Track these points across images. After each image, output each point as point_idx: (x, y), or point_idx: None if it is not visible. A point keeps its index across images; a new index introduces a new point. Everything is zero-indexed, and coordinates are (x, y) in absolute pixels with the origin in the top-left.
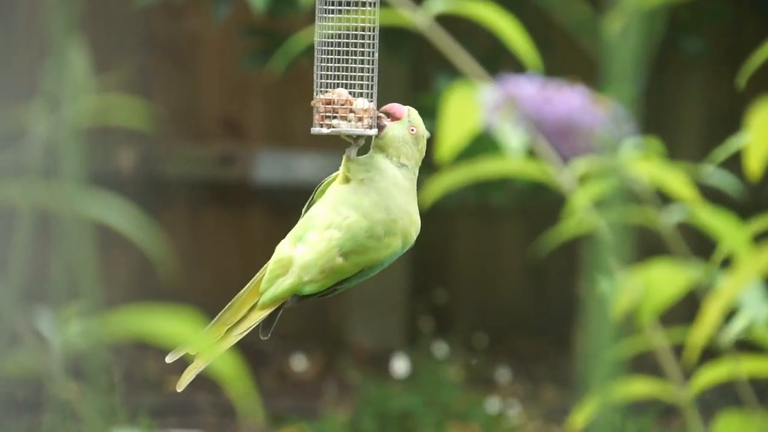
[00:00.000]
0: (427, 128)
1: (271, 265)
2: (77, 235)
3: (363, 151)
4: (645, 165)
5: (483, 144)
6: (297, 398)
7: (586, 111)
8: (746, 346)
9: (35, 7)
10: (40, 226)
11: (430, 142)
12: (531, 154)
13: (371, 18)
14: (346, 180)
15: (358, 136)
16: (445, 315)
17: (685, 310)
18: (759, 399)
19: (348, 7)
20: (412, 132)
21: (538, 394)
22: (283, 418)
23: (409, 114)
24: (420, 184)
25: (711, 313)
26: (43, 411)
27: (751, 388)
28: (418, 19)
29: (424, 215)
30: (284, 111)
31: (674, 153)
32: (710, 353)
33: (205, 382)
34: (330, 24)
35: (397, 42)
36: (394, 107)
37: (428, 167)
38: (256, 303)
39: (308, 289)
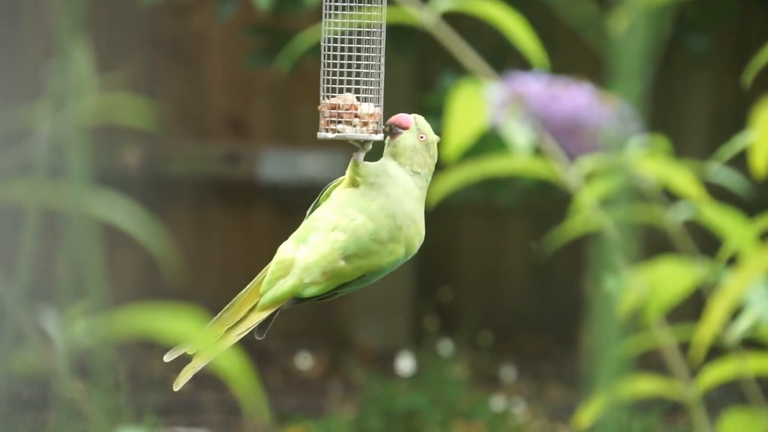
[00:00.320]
0: (433, 127)
1: (272, 266)
2: (83, 234)
3: (371, 156)
4: (651, 163)
5: (489, 142)
6: (302, 397)
7: (593, 109)
8: (752, 344)
9: (40, 6)
10: (46, 224)
11: (438, 143)
12: (537, 152)
13: (378, 16)
14: (353, 184)
15: (365, 141)
16: (450, 313)
17: (691, 308)
18: (765, 397)
19: (354, 3)
20: (422, 139)
21: (543, 392)
22: (289, 416)
23: (416, 121)
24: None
25: (717, 311)
26: (49, 410)
27: (757, 386)
28: (425, 17)
29: (429, 213)
30: (289, 110)
31: (680, 151)
32: (716, 351)
33: (210, 380)
34: (336, 22)
35: (403, 40)
36: (401, 118)
37: (435, 165)
38: (256, 304)
39: (308, 292)
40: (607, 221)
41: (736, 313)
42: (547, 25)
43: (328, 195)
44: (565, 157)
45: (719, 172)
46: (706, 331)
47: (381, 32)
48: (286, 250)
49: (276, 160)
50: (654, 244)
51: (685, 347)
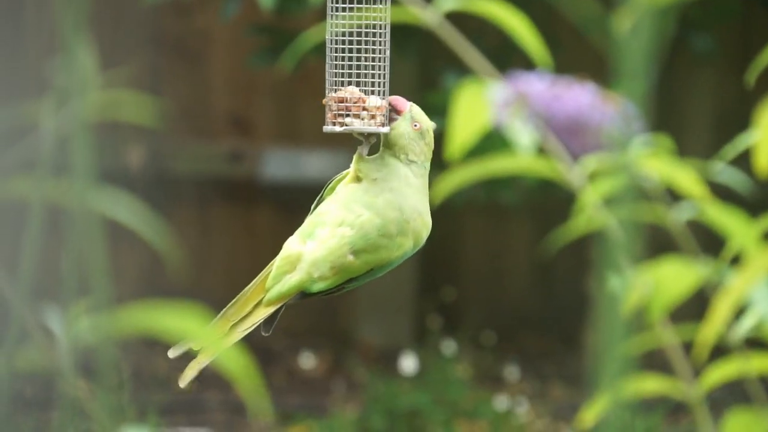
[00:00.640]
0: (437, 126)
1: (278, 261)
2: (87, 231)
3: (374, 149)
4: (655, 162)
5: (492, 141)
6: (305, 396)
7: (596, 108)
8: (756, 343)
9: (44, 3)
10: (50, 222)
11: (440, 139)
12: (540, 151)
13: (382, 15)
14: (357, 178)
15: (370, 134)
16: (453, 313)
17: (694, 307)
18: None
19: (359, 5)
20: (416, 128)
21: (546, 391)
22: (292, 415)
23: (411, 109)
24: (429, 181)
25: (721, 311)
26: (52, 408)
27: (760, 385)
28: (429, 17)
29: (433, 213)
30: (292, 109)
31: (684, 150)
32: (720, 351)
33: (213, 380)
34: (341, 21)
35: (406, 39)
36: (398, 100)
37: (438, 165)
38: (262, 299)
39: (317, 287)
40: (610, 220)
41: (739, 312)
42: (550, 25)
43: (333, 189)
44: (569, 157)
45: (722, 171)
46: (709, 330)
47: (385, 32)
48: (292, 245)
49: (279, 159)
50: (657, 244)
51: (688, 347)
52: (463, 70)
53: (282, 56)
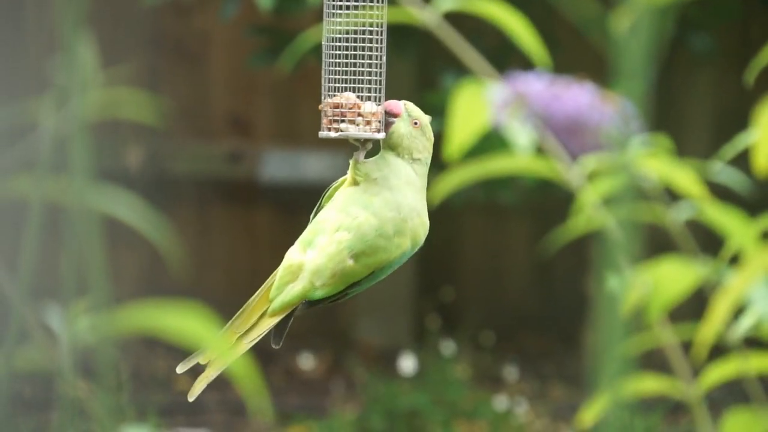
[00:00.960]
0: (435, 126)
1: (280, 271)
2: (86, 231)
3: (372, 154)
4: (653, 162)
5: (491, 142)
6: (305, 396)
7: (595, 108)
8: (755, 342)
9: (44, 3)
10: (50, 221)
11: (438, 139)
12: (539, 151)
13: (379, 16)
14: (354, 183)
15: (366, 140)
16: (452, 313)
17: (693, 307)
18: (767, 396)
19: (356, 2)
20: (416, 125)
21: (545, 391)
22: (291, 416)
23: (407, 108)
24: (428, 181)
25: (719, 310)
26: (52, 409)
27: (759, 385)
28: (427, 17)
29: (431, 213)
30: (291, 109)
31: (683, 150)
32: (719, 350)
33: (213, 380)
34: (338, 22)
35: (405, 39)
36: (391, 104)
37: (437, 165)
38: (266, 310)
39: (319, 294)
40: (609, 220)
41: (738, 312)
42: (549, 24)
43: (331, 196)
44: (568, 157)
45: (721, 171)
46: (708, 330)
47: (382, 32)
48: (293, 255)
49: (278, 159)
50: (656, 243)
51: (687, 346)
52: (461, 70)
53: (281, 57)
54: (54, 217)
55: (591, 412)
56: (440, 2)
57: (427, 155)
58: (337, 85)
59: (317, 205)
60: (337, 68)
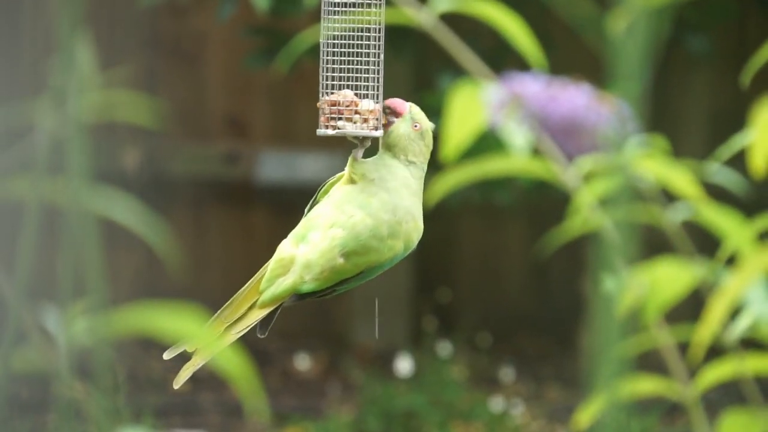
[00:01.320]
0: (432, 127)
1: (271, 264)
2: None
3: (370, 152)
4: (650, 163)
5: (487, 143)
6: (301, 398)
7: (591, 109)
8: (751, 344)
9: (40, 4)
10: (47, 222)
11: (435, 140)
12: (535, 152)
13: (376, 17)
14: (351, 181)
15: (364, 138)
16: (448, 314)
17: (690, 308)
18: (764, 397)
19: (353, 8)
20: (416, 128)
21: (541, 393)
22: (287, 417)
23: (411, 110)
24: (425, 182)
25: (716, 311)
26: (49, 410)
27: (756, 386)
28: (423, 18)
29: (428, 214)
30: (288, 110)
31: (679, 151)
32: (715, 351)
33: (208, 381)
34: (335, 23)
35: (401, 41)
36: (396, 102)
37: (433, 166)
38: (256, 301)
39: (306, 288)
40: (605, 221)
41: (734, 313)
42: (545, 25)
43: (327, 192)
44: (564, 158)
45: (718, 172)
46: (705, 331)
47: (380, 33)
48: (285, 248)
49: (275, 160)
50: (653, 245)
51: (684, 347)
52: (458, 71)
53: (278, 57)
54: (51, 218)
55: (587, 414)
56: (437, 3)
57: (423, 160)
58: (334, 84)
59: (312, 199)
60: (335, 71)
